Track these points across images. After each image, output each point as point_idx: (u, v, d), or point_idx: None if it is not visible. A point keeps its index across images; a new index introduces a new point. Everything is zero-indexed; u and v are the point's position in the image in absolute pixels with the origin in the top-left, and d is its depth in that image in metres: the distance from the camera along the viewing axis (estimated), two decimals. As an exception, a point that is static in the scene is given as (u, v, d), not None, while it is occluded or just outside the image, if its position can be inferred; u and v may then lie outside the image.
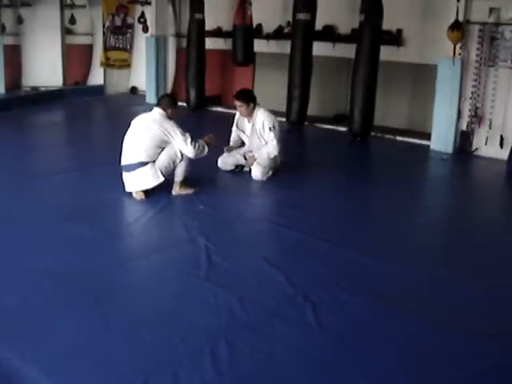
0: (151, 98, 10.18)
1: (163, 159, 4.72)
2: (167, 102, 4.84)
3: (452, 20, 6.47)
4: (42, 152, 6.59)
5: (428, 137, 7.18)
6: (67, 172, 5.63)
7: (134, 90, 11.41)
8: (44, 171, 5.63)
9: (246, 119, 5.54)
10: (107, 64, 10.93)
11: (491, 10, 6.44)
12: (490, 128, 6.66)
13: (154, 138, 4.66)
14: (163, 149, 4.73)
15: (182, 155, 4.75)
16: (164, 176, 4.73)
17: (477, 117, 6.75)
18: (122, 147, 4.78)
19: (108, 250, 3.75)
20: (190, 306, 3.05)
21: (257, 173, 5.39)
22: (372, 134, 7.65)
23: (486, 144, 6.74)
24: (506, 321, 3.06)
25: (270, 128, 5.33)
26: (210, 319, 2.91)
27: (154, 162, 4.70)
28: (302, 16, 7.81)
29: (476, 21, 6.56)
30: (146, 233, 4.24)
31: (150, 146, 4.67)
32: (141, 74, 10.78)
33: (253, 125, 5.47)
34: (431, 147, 7.06)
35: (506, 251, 4.08)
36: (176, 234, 4.12)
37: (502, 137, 6.57)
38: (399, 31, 7.88)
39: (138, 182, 4.73)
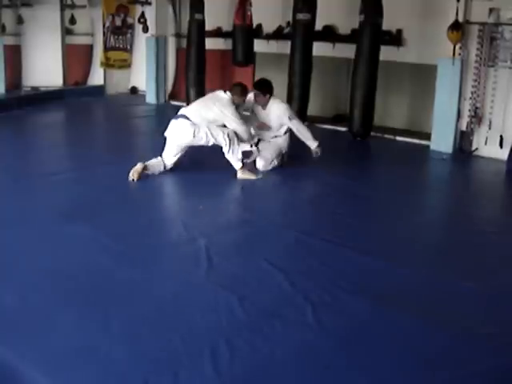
0: (151, 98, 10.20)
1: (215, 127, 5.18)
2: (238, 90, 5.34)
3: (452, 20, 6.47)
4: (42, 152, 6.59)
5: (428, 137, 7.17)
6: (67, 172, 5.63)
7: (134, 90, 11.40)
8: (44, 171, 5.62)
9: (260, 106, 5.70)
10: (107, 64, 10.91)
11: (491, 10, 6.43)
12: (490, 128, 6.66)
13: (209, 113, 5.18)
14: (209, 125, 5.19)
15: (229, 142, 5.16)
16: (194, 136, 5.14)
17: (476, 117, 6.74)
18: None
19: (108, 249, 3.74)
20: (190, 306, 3.05)
21: (261, 163, 5.60)
22: (372, 133, 7.65)
23: (485, 144, 6.73)
24: (506, 321, 3.06)
25: (289, 118, 5.59)
26: (209, 319, 2.90)
27: (195, 124, 5.16)
28: (302, 16, 7.80)
29: (476, 21, 6.56)
30: (145, 233, 4.24)
31: (201, 115, 5.19)
32: (141, 74, 10.77)
33: (267, 114, 5.66)
34: (431, 147, 7.05)
35: (506, 251, 4.08)
36: (176, 234, 4.12)
37: (501, 137, 6.56)
38: (399, 31, 7.89)
39: (175, 130, 5.24)
